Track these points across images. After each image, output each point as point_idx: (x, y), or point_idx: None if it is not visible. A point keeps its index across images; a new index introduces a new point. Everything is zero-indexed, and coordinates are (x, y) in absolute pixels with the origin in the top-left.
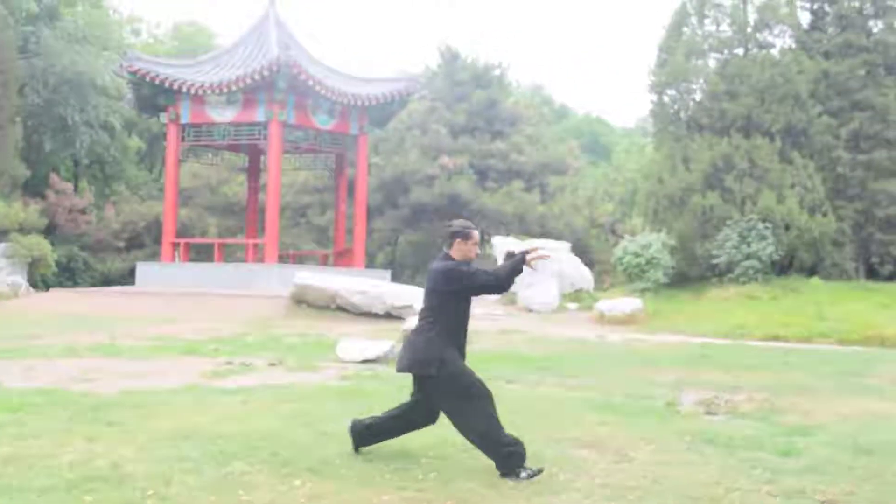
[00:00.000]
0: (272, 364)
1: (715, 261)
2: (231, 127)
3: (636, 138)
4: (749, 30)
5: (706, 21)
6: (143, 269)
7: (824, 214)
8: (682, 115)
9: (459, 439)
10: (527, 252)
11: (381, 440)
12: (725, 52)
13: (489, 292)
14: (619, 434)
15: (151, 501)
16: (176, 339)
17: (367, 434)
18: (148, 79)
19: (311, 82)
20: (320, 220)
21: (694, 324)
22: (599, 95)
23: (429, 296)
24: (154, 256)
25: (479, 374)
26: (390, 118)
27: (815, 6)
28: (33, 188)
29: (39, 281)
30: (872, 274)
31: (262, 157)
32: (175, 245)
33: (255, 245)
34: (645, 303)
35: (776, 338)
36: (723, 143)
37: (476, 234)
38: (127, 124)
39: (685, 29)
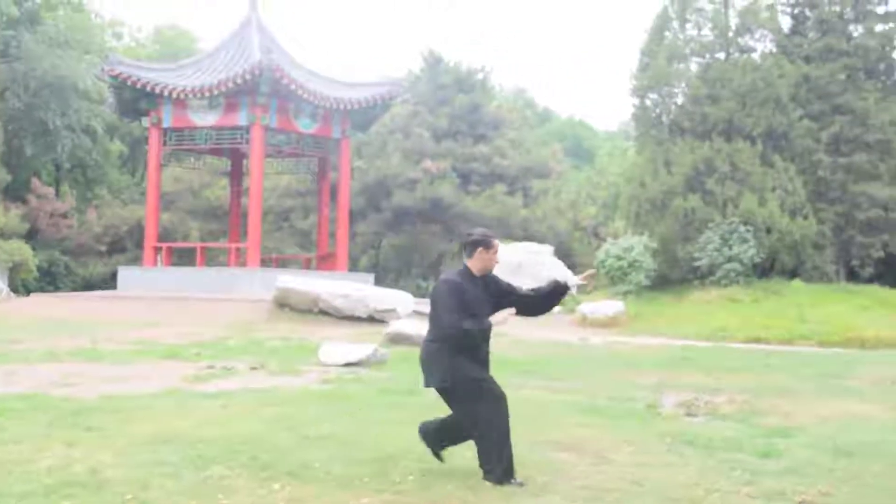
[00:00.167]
0: (254, 368)
1: (696, 263)
2: (213, 131)
3: (619, 142)
4: (730, 34)
5: (688, 25)
6: (125, 274)
7: (805, 217)
8: (664, 118)
9: None
10: (563, 284)
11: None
12: (707, 56)
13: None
14: (599, 436)
15: None
16: (157, 344)
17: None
18: (129, 83)
19: (293, 86)
20: (303, 223)
21: (676, 326)
22: (583, 99)
23: (432, 307)
24: (136, 261)
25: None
26: (373, 122)
27: (796, 11)
28: (14, 193)
29: (20, 286)
30: (853, 276)
31: (244, 161)
32: (157, 249)
33: (238, 249)
34: (627, 305)
35: (757, 340)
36: (704, 147)
37: (497, 242)
38: (109, 128)
39: (667, 33)
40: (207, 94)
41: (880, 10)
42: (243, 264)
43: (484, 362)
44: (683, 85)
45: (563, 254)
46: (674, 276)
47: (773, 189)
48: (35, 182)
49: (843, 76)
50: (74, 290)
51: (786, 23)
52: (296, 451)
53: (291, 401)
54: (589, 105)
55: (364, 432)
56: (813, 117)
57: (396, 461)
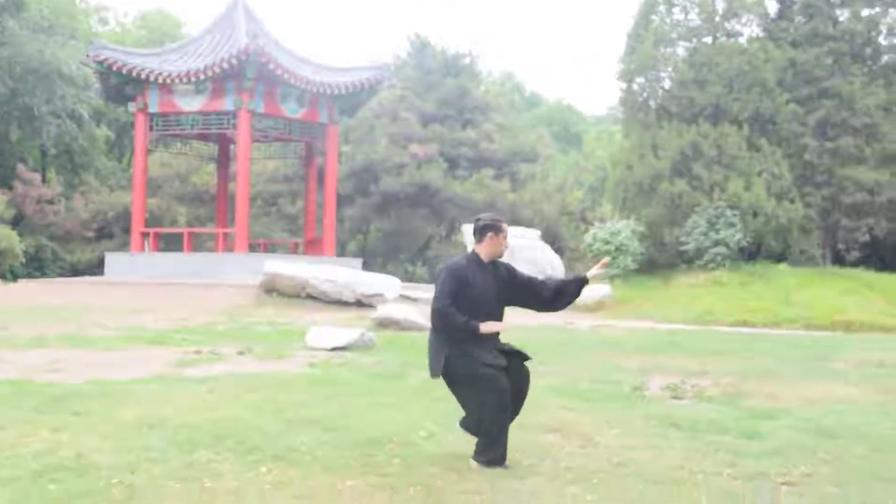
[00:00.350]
0: (241, 353)
1: (683, 247)
2: (200, 116)
3: (606, 126)
4: (717, 18)
5: (674, 9)
6: (112, 260)
7: (791, 201)
8: (651, 102)
9: (423, 425)
10: (583, 278)
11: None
12: (694, 40)
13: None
14: (584, 419)
15: (116, 490)
16: (144, 329)
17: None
18: (115, 68)
19: (279, 71)
20: (290, 208)
21: (662, 310)
22: (570, 83)
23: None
24: (123, 246)
25: None
26: (360, 107)
27: None
28: (0, 179)
29: (7, 272)
30: (839, 260)
31: (231, 147)
32: (144, 235)
33: (225, 234)
34: (614, 289)
35: (744, 323)
36: (691, 131)
37: (506, 226)
38: (95, 114)
39: (654, 17)
40: (194, 78)
41: None
42: (231, 249)
43: (491, 346)
44: (670, 69)
45: (551, 238)
46: (661, 260)
47: (760, 173)
48: (21, 168)
49: (829, 60)
50: (61, 276)
51: (772, 7)
52: (282, 435)
53: (278, 385)
54: (577, 89)
55: (350, 416)
56: (799, 101)
57: (382, 444)
